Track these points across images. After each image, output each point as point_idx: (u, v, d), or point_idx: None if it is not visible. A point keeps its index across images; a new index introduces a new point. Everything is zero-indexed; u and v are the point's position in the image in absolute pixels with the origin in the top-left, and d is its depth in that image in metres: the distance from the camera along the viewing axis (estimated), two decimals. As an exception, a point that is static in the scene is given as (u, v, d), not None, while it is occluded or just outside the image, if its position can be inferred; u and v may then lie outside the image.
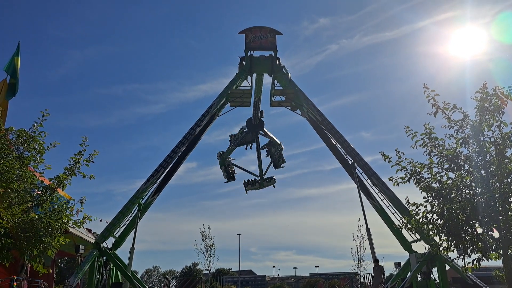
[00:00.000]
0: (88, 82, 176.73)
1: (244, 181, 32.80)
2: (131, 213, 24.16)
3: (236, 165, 32.98)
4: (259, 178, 32.66)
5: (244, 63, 28.12)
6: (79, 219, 10.60)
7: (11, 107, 17.82)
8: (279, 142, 32.54)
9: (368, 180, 25.57)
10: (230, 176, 32.62)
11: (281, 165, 33.16)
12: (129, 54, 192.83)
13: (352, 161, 26.31)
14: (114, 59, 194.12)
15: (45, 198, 10.21)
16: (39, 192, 10.37)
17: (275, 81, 28.16)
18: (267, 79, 28.06)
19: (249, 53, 28.06)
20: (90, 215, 10.59)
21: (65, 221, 10.33)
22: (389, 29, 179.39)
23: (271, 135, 32.36)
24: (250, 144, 32.56)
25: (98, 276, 21.97)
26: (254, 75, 27.61)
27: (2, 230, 8.83)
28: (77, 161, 10.63)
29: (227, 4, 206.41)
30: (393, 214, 24.25)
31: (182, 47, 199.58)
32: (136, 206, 24.14)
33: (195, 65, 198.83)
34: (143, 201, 24.57)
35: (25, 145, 10.15)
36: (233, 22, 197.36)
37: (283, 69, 28.10)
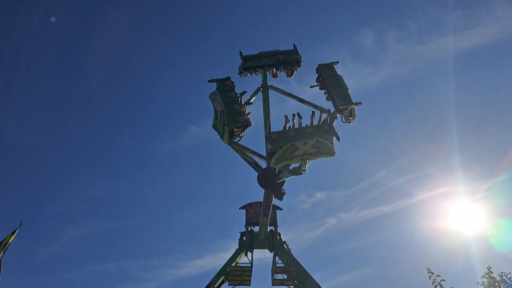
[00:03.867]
0: (81, 258, 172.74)
1: None
2: None
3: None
4: None
5: (244, 238, 27.46)
6: None
7: None
8: None
9: None
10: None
11: None
12: (126, 229, 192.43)
13: None
14: (111, 235, 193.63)
15: None
16: None
17: (277, 257, 26.96)
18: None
19: (249, 228, 27.66)
20: None
21: None
22: (385, 204, 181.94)
23: None
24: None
25: None
26: (255, 251, 26.72)
27: None
28: None
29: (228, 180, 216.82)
30: None
31: (180, 221, 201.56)
32: None
33: (192, 239, 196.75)
34: None
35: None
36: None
37: (284, 245, 27.19)
